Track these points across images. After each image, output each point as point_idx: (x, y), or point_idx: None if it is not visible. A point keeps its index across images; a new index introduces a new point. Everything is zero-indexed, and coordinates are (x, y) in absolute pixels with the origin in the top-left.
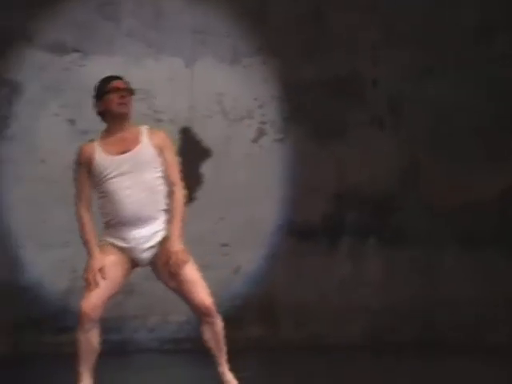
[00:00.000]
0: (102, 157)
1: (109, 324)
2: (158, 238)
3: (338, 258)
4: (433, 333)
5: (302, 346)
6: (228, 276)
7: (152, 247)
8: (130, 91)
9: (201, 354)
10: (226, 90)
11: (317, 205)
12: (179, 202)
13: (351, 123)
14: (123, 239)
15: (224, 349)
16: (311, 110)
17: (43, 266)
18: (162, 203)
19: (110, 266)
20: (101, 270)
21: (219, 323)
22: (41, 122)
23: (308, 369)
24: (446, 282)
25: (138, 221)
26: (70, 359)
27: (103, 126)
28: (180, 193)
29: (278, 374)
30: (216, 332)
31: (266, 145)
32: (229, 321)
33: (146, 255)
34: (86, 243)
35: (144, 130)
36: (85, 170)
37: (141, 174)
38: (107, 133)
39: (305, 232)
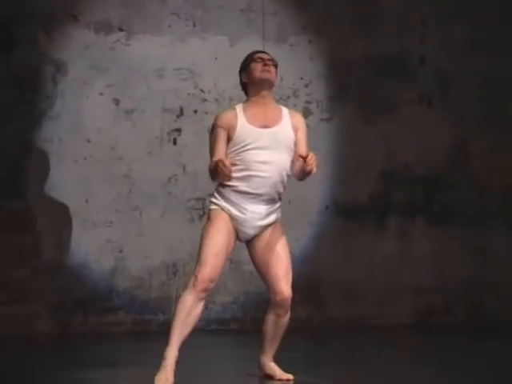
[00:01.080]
0: (245, 126)
1: (155, 304)
2: (271, 219)
3: (386, 238)
4: (483, 313)
5: (350, 326)
6: None
7: (261, 226)
8: (275, 63)
9: (246, 334)
10: None
11: (364, 184)
12: None
13: (399, 101)
14: (240, 209)
15: (278, 343)
16: (358, 89)
17: (89, 245)
18: (283, 186)
19: (225, 238)
20: (220, 161)
21: (286, 319)
22: (86, 102)
23: (355, 349)
24: (496, 262)
25: (262, 197)
26: (116, 338)
27: (148, 105)
28: None
29: (326, 354)
30: (279, 326)
31: (311, 124)
32: None
33: (253, 231)
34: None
35: (285, 109)
36: (224, 134)
37: (278, 153)
38: (250, 103)
39: (352, 211)
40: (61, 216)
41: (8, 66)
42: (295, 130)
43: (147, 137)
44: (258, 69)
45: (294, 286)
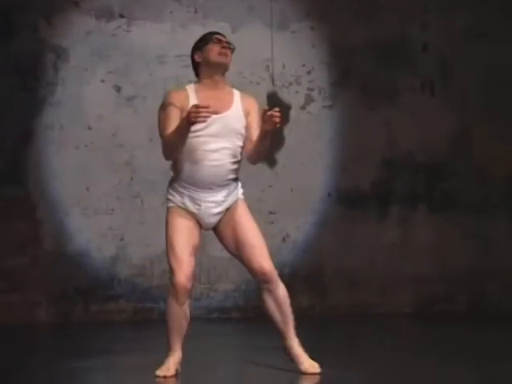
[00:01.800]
0: None
1: (156, 292)
2: (229, 202)
3: (388, 225)
4: (485, 302)
5: (351, 315)
6: (276, 244)
7: (219, 213)
8: (232, 47)
9: (248, 322)
10: (273, 56)
11: (366, 171)
12: None
13: (401, 88)
14: (194, 201)
15: (291, 320)
16: (360, 76)
17: (90, 233)
18: (237, 172)
19: (188, 232)
20: (195, 106)
21: (281, 291)
22: (87, 88)
23: (357, 337)
24: (498, 251)
25: (214, 185)
26: (117, 327)
27: (149, 92)
28: None
29: (327, 342)
30: (278, 301)
31: (314, 111)
32: None
33: (213, 220)
34: (176, 131)
35: (237, 93)
36: (177, 113)
37: (228, 140)
38: (201, 85)
39: (354, 199)
40: (61, 204)
41: (8, 54)
42: (246, 115)
43: (148, 124)
44: (214, 51)
45: (296, 274)
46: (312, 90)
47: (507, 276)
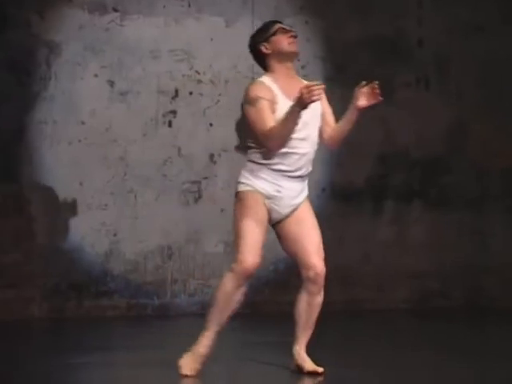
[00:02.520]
0: (284, 101)
1: (150, 288)
2: (303, 196)
3: (383, 221)
4: (481, 298)
5: (346, 310)
6: (271, 239)
7: (293, 205)
8: (296, 33)
9: (242, 318)
10: None
11: (361, 167)
12: None
13: (397, 83)
14: (276, 187)
15: (311, 330)
16: (355, 70)
17: (83, 228)
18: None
19: (262, 219)
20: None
21: (320, 299)
22: (80, 83)
23: (352, 333)
24: (495, 246)
25: (297, 173)
26: (111, 322)
27: (142, 87)
28: None
29: (322, 338)
30: (312, 306)
31: None
32: (272, 284)
33: (288, 210)
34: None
35: (304, 81)
36: (269, 104)
37: (313, 127)
38: (278, 75)
39: (349, 194)
40: (55, 199)
41: (1, 48)
42: (320, 101)
43: (142, 119)
44: (284, 41)
45: (291, 270)
46: None
47: (504, 271)
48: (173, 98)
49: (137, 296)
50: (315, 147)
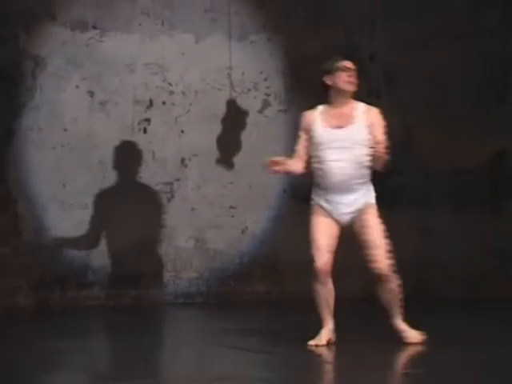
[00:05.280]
0: (320, 128)
1: (127, 280)
2: (358, 205)
3: None
4: (427, 288)
5: (304, 300)
6: (236, 236)
7: (350, 213)
8: (357, 72)
9: (210, 307)
10: (233, 64)
11: None
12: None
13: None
14: (328, 202)
15: (397, 304)
16: (312, 83)
17: (66, 226)
18: (365, 176)
19: (326, 226)
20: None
21: (393, 283)
22: (63, 94)
23: (308, 322)
24: (440, 241)
25: (342, 189)
26: (91, 312)
27: (120, 97)
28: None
29: (280, 326)
30: (389, 290)
31: (270, 115)
32: (237, 277)
33: (345, 218)
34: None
35: (361, 107)
36: (304, 135)
37: (352, 150)
38: (330, 105)
39: (307, 195)
40: (40, 199)
41: None
42: (370, 125)
43: (119, 126)
44: (342, 79)
45: (255, 263)
46: (269, 95)
47: (448, 264)
48: (147, 107)
49: (115, 287)
50: (357, 166)
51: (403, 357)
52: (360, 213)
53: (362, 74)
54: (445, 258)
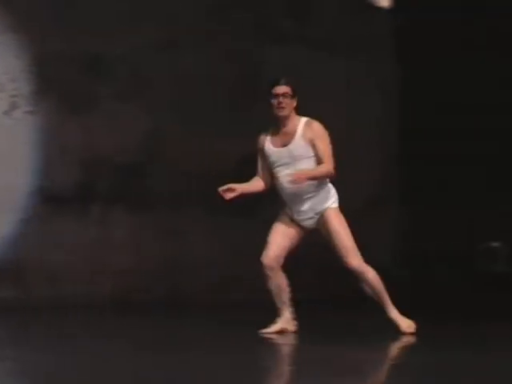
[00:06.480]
0: (269, 148)
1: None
2: (316, 210)
3: (89, 223)
4: (180, 292)
5: (54, 306)
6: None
7: (311, 218)
8: (289, 93)
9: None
10: None
11: (68, 173)
12: (322, 167)
13: (100, 96)
14: (290, 211)
15: (384, 295)
16: (61, 84)
17: None
18: (317, 184)
19: (283, 227)
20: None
21: (370, 275)
22: None
23: (58, 328)
24: (192, 244)
25: (297, 200)
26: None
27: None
28: (326, 166)
29: (28, 333)
30: (370, 284)
31: (18, 116)
32: None
33: (309, 222)
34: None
35: (302, 123)
36: (260, 155)
37: (298, 164)
38: (275, 126)
39: (57, 198)
40: None
41: None
42: (310, 140)
43: None
44: (274, 106)
45: (2, 267)
46: (16, 96)
47: (200, 269)
48: None
49: None
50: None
51: None
52: (322, 218)
53: (111, 75)
54: (196, 262)
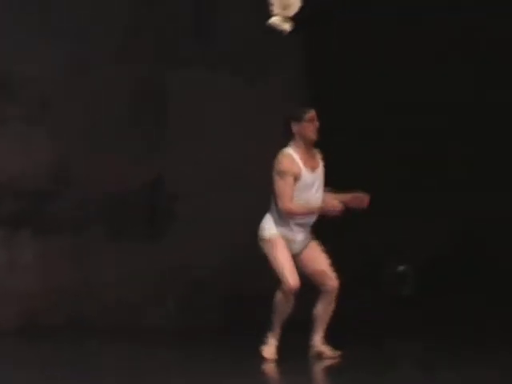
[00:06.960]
0: (306, 172)
1: None
2: (308, 238)
3: None
4: (83, 316)
5: None
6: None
7: (304, 242)
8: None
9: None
10: None
11: None
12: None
13: (8, 117)
14: (293, 233)
15: (327, 321)
16: None
17: None
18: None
19: (288, 251)
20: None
21: (335, 300)
22: None
23: None
24: (95, 268)
25: (305, 227)
26: None
27: None
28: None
29: None
30: (331, 306)
31: None
32: None
33: (298, 246)
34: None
35: (318, 152)
36: (292, 179)
37: (322, 188)
38: (300, 149)
39: None
40: None
41: None
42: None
43: None
44: (310, 129)
45: None
46: None
47: (102, 293)
48: None
49: None
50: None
51: None
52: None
53: (17, 97)
54: (99, 286)
